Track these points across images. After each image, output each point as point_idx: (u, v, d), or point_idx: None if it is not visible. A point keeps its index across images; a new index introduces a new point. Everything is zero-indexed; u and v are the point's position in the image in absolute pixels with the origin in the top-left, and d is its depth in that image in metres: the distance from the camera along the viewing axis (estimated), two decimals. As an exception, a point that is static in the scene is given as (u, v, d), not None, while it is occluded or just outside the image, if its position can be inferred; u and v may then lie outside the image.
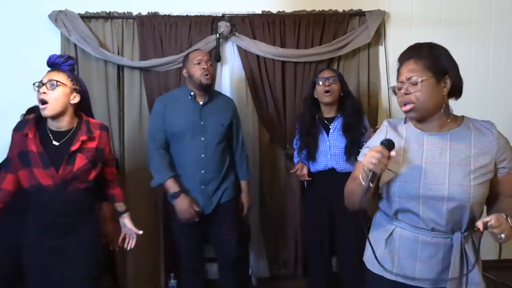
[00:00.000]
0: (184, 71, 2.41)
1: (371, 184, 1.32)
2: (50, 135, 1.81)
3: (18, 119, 2.67)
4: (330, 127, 2.44)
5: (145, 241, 2.97)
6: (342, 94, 2.45)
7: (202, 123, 2.36)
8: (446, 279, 1.37)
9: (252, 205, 3.06)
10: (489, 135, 1.40)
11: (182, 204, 2.28)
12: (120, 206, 2.12)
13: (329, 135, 2.42)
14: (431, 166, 1.38)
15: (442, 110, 1.39)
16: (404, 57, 1.43)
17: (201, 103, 2.39)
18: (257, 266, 3.10)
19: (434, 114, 1.40)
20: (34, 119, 1.82)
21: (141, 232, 2.10)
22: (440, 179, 1.36)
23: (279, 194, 3.16)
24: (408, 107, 1.37)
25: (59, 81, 1.75)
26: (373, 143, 1.50)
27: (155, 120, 2.38)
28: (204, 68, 2.31)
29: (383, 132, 1.51)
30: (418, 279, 1.40)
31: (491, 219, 1.21)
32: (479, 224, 1.23)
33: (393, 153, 1.30)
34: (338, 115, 2.45)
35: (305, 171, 2.52)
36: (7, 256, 2.31)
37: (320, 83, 2.41)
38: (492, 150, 1.38)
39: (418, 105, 1.35)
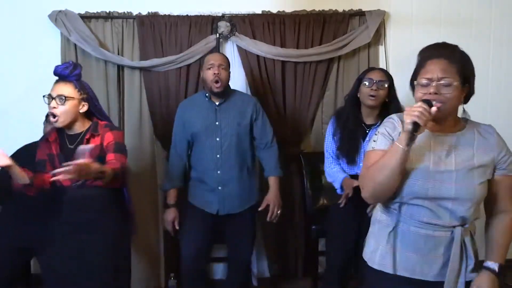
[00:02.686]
0: (201, 73, 2.43)
1: (414, 134, 1.31)
2: (66, 139, 1.92)
3: (18, 119, 2.69)
4: (367, 132, 2.25)
5: (145, 241, 2.98)
6: (387, 100, 2.23)
7: (217, 123, 2.36)
8: (446, 272, 1.39)
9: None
10: (491, 138, 1.46)
11: (167, 216, 2.48)
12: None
13: (365, 142, 2.24)
14: (438, 166, 1.40)
15: (456, 114, 1.45)
16: (435, 55, 1.42)
17: (217, 103, 2.39)
18: (257, 266, 3.10)
19: (449, 116, 1.43)
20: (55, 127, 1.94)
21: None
22: (447, 179, 1.38)
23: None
24: (437, 105, 1.36)
25: (68, 96, 1.82)
26: (382, 131, 1.50)
27: (176, 125, 2.47)
28: (214, 74, 2.30)
29: (394, 124, 1.49)
30: (420, 272, 1.43)
31: None
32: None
33: (434, 108, 1.32)
34: (378, 122, 2.20)
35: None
36: (8, 257, 2.31)
37: (367, 83, 2.20)
38: (494, 151, 1.43)
39: (445, 106, 1.36)
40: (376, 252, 1.51)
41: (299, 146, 3.03)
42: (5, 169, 1.83)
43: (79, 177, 1.59)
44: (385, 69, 2.84)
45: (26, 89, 2.80)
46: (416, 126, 1.30)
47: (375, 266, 1.51)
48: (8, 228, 2.35)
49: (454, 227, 1.40)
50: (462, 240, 1.40)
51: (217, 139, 2.35)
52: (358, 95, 2.27)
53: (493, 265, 1.42)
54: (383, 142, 1.47)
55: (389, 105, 2.23)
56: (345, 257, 2.28)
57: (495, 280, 1.39)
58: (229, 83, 2.45)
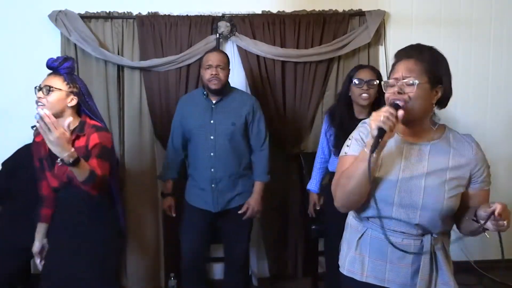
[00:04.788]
0: (201, 69, 2.45)
1: (380, 140, 1.27)
2: None
3: (18, 119, 2.68)
4: None
5: (145, 241, 2.98)
6: (378, 95, 2.28)
7: (212, 121, 2.37)
8: (416, 282, 1.38)
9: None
10: (468, 149, 1.40)
11: (164, 204, 2.60)
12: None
13: None
14: (408, 174, 1.37)
15: (429, 118, 1.40)
16: (404, 55, 1.40)
17: (214, 101, 2.40)
18: (257, 266, 3.10)
19: (419, 120, 1.39)
20: None
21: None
22: (415, 188, 1.36)
23: (279, 194, 3.15)
24: (401, 110, 1.33)
25: (53, 87, 1.78)
26: (356, 136, 1.48)
27: (175, 119, 2.52)
28: (212, 74, 2.31)
29: (367, 129, 1.44)
30: (388, 280, 1.41)
31: (496, 207, 1.19)
32: (483, 212, 1.23)
33: (400, 112, 1.29)
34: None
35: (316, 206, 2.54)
36: (7, 257, 2.31)
37: (357, 82, 2.25)
38: (470, 164, 1.38)
39: (409, 106, 1.33)
40: (347, 257, 1.50)
41: (299, 146, 3.03)
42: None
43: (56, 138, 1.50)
44: (385, 69, 2.88)
45: (26, 89, 2.77)
46: (381, 132, 1.27)
47: (345, 272, 1.50)
48: (7, 228, 2.35)
49: (423, 235, 1.38)
50: (432, 250, 1.38)
51: (211, 137, 2.36)
52: (350, 94, 2.32)
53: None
54: (356, 147, 1.44)
55: (381, 99, 2.24)
56: None
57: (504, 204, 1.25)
58: (229, 81, 2.45)
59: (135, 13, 2.88)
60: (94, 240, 1.86)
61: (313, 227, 2.74)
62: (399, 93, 1.34)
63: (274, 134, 3.04)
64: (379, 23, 2.95)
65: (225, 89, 2.42)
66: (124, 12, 2.88)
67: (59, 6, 2.82)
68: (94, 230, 1.87)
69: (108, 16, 2.86)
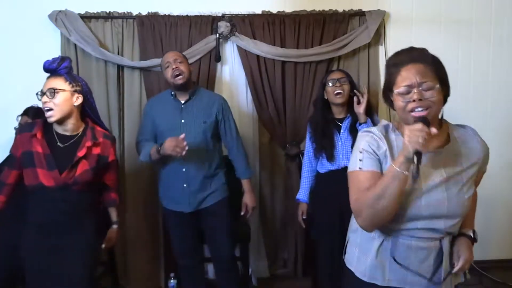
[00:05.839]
0: (163, 74, 2.44)
1: (420, 166, 1.22)
2: (56, 137, 1.85)
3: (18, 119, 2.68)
4: (341, 126, 2.43)
5: (145, 241, 2.98)
6: (351, 94, 2.43)
7: (182, 121, 2.36)
8: (437, 281, 1.38)
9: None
10: (475, 144, 1.40)
11: (167, 143, 2.19)
12: (113, 215, 2.14)
13: (340, 134, 2.42)
14: (429, 184, 1.34)
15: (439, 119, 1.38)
16: (407, 60, 1.33)
17: (182, 101, 2.40)
18: (257, 266, 3.10)
19: (434, 124, 1.33)
20: (42, 122, 1.87)
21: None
22: (439, 197, 1.34)
23: (279, 194, 3.16)
24: (424, 113, 1.27)
25: (57, 88, 1.78)
26: (366, 148, 1.38)
27: (145, 120, 2.48)
28: (173, 69, 2.32)
29: (377, 142, 1.39)
30: (411, 282, 1.40)
31: (463, 264, 1.38)
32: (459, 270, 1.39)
33: (434, 130, 1.23)
34: (348, 115, 2.45)
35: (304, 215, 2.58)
36: (6, 257, 2.31)
37: (330, 84, 2.40)
38: (480, 159, 1.39)
39: (431, 111, 1.29)
40: (365, 263, 1.46)
41: (299, 146, 3.03)
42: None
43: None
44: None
45: (26, 89, 2.78)
46: (420, 155, 1.21)
47: (366, 279, 1.46)
48: (6, 228, 2.35)
49: (443, 238, 1.39)
50: (450, 250, 1.41)
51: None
52: (326, 97, 2.44)
53: (468, 231, 1.45)
54: (370, 162, 1.37)
55: (353, 98, 2.43)
56: (333, 262, 2.39)
57: (470, 243, 1.45)
58: (229, 83, 2.44)
59: (135, 13, 2.89)
60: (76, 239, 1.85)
61: (312, 231, 2.70)
62: (419, 99, 1.27)
63: (274, 134, 3.05)
64: (379, 23, 2.95)
65: (191, 87, 2.42)
66: (124, 12, 2.88)
67: (59, 6, 2.82)
68: (76, 230, 1.86)
69: (108, 16, 2.86)
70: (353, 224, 1.55)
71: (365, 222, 1.36)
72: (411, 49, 1.38)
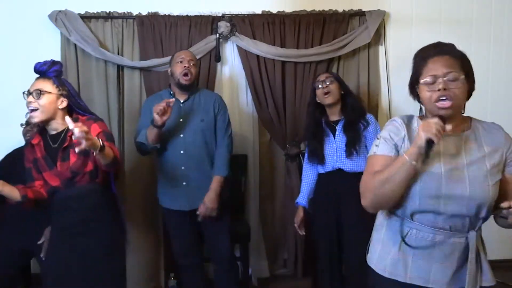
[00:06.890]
0: (168, 70, 2.44)
1: (429, 154, 1.28)
2: (49, 140, 1.89)
3: (18, 119, 2.68)
4: (336, 128, 2.44)
5: (145, 241, 2.98)
6: (342, 93, 2.45)
7: (181, 120, 2.37)
8: (462, 278, 1.36)
9: (252, 205, 3.08)
10: (498, 134, 1.42)
11: (154, 110, 2.16)
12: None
13: (335, 137, 2.42)
14: (450, 166, 1.36)
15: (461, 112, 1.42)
16: (435, 52, 1.38)
17: (181, 100, 2.40)
18: (257, 266, 3.10)
19: (458, 114, 1.40)
20: (37, 129, 1.94)
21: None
22: (460, 179, 1.35)
23: (279, 194, 3.16)
24: (448, 103, 1.32)
25: (44, 90, 1.80)
26: (385, 135, 1.46)
27: (143, 117, 2.45)
28: (185, 67, 2.32)
29: (398, 128, 1.45)
30: (433, 280, 1.38)
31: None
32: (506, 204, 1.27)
33: (448, 127, 1.29)
34: (342, 117, 2.45)
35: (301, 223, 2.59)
36: (9, 257, 2.31)
37: (319, 86, 2.42)
38: (503, 149, 1.39)
39: (455, 102, 1.33)
40: (386, 259, 1.46)
41: (299, 146, 3.03)
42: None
43: (87, 141, 1.53)
44: (385, 69, 2.93)
45: (26, 89, 2.80)
46: (432, 143, 1.27)
47: (386, 275, 1.45)
48: (7, 229, 2.35)
49: (467, 231, 1.37)
50: (475, 247, 1.37)
51: (181, 135, 2.35)
52: (318, 100, 2.44)
53: None
54: (385, 147, 1.43)
55: (346, 98, 2.45)
56: (333, 262, 2.45)
57: None
58: (229, 83, 2.44)
59: (135, 13, 2.89)
60: (98, 238, 1.87)
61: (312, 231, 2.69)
62: (444, 89, 1.32)
63: (274, 134, 3.05)
64: (379, 23, 2.95)
65: (193, 88, 2.43)
66: (124, 12, 2.88)
67: (59, 6, 2.82)
68: (96, 229, 1.87)
69: (108, 16, 2.86)
70: (378, 223, 1.56)
71: (367, 203, 1.43)
72: (439, 43, 1.43)
